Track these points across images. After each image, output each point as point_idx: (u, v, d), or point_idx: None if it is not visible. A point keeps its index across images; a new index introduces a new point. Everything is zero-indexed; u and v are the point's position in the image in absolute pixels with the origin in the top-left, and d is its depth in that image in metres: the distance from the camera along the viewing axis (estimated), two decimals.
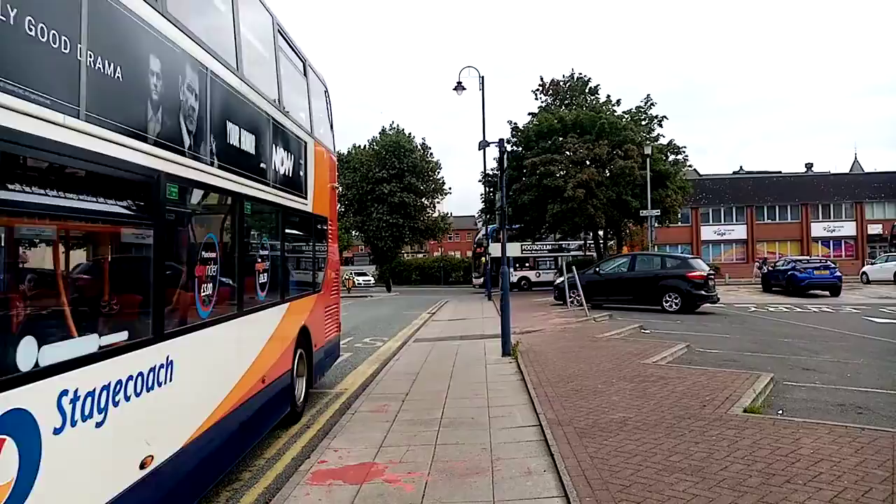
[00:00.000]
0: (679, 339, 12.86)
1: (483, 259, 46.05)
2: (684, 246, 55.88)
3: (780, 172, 65.28)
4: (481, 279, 44.64)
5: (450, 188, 57.39)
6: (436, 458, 5.85)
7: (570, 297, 20.71)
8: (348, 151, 58.41)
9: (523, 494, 4.91)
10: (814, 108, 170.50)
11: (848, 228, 60.09)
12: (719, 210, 61.15)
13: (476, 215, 56.22)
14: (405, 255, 72.62)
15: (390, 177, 51.88)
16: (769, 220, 61.05)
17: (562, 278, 21.86)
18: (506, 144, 11.79)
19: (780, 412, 7.25)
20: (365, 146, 56.74)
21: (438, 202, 62.67)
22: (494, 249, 43.59)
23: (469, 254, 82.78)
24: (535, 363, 10.27)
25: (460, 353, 12.13)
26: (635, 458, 5.40)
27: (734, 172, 68.84)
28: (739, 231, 61.06)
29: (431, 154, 56.33)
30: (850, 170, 66.58)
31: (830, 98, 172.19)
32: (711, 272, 20.46)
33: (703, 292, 19.63)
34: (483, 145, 11.94)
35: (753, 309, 22.11)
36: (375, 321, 21.26)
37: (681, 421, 6.51)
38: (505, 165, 11.74)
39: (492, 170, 36.45)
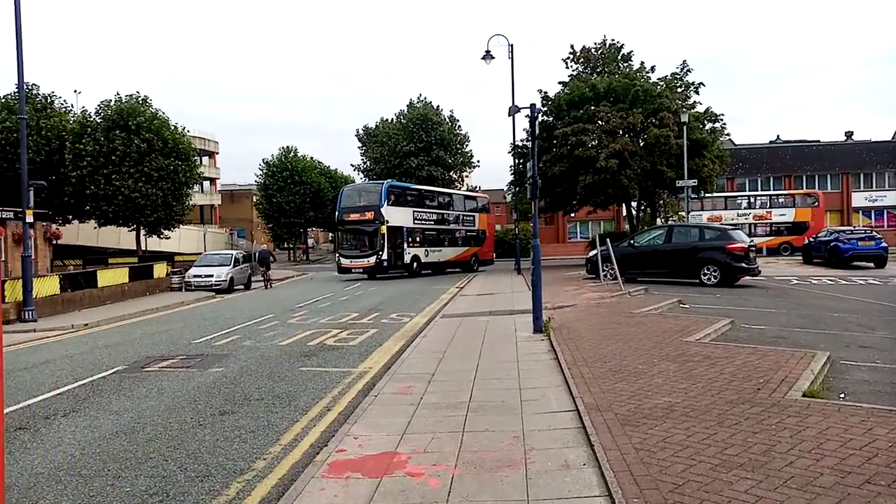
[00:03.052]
0: (721, 315, 12.16)
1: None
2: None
3: (818, 141, 63.01)
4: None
5: (478, 161, 56.64)
6: (463, 448, 5.35)
7: (604, 270, 20.03)
8: (375, 125, 57.83)
9: (561, 493, 4.38)
10: (851, 75, 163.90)
11: (891, 198, 58.00)
12: (756, 180, 59.48)
13: (505, 188, 55.30)
14: None
15: (418, 150, 51.11)
16: (808, 190, 59.23)
17: (594, 251, 21.13)
18: (537, 111, 11.09)
19: (843, 396, 6.61)
20: (392, 120, 55.99)
21: (467, 176, 61.84)
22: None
23: (498, 227, 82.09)
24: (568, 341, 9.70)
25: (489, 330, 11.62)
26: (686, 451, 4.83)
27: (771, 142, 66.71)
28: None
29: (459, 126, 55.38)
30: (893, 138, 63.97)
31: (868, 64, 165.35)
32: (752, 244, 19.55)
33: (743, 265, 18.76)
34: (513, 111, 11.30)
35: (795, 282, 21.18)
36: (403, 296, 20.86)
37: (734, 407, 5.90)
38: (537, 132, 11.06)
39: (521, 140, 35.65)
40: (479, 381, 7.67)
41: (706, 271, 18.83)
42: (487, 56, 29.69)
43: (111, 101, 38.73)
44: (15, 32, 15.95)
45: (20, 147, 17.12)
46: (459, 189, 56.66)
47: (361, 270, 30.12)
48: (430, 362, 8.92)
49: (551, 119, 33.56)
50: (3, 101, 39.81)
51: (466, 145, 55.18)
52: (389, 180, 32.30)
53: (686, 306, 13.84)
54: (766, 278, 21.10)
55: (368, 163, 55.05)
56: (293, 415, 7.02)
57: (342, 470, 5.02)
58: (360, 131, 58.88)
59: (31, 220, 17.17)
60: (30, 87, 41.23)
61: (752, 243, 19.50)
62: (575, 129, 30.65)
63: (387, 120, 56.89)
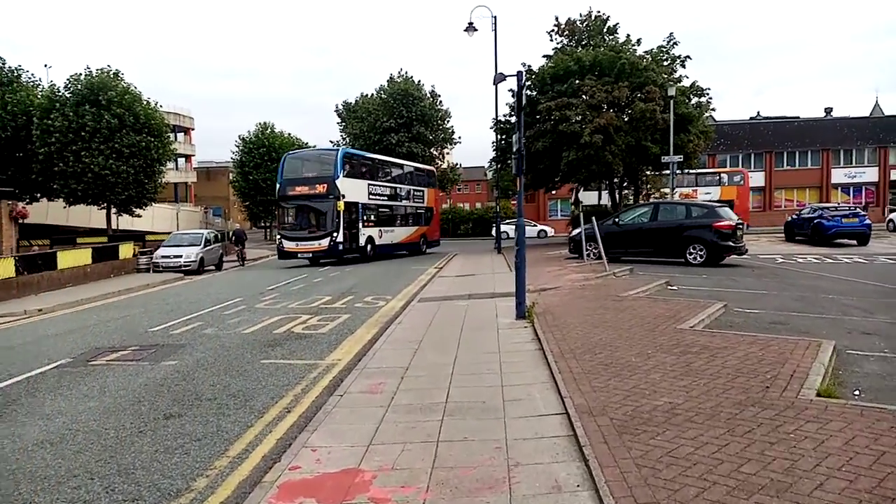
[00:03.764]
0: (712, 298, 11.53)
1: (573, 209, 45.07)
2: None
3: (798, 118, 62.76)
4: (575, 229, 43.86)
5: (459, 137, 55.38)
6: (437, 464, 4.61)
7: (587, 249, 19.36)
8: (356, 101, 56.41)
9: None
10: (830, 51, 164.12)
11: (870, 174, 58.06)
12: (737, 156, 59.19)
13: (486, 165, 54.45)
14: None
15: (398, 126, 49.92)
16: (788, 167, 59.32)
17: (577, 230, 20.44)
18: (524, 80, 10.25)
19: (858, 393, 5.96)
20: (373, 95, 54.64)
21: (448, 152, 60.79)
22: (587, 197, 42.57)
23: (478, 205, 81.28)
24: (553, 328, 8.99)
25: (469, 316, 10.87)
26: (696, 469, 4.13)
27: (751, 118, 66.31)
28: (757, 178, 59.25)
29: (441, 102, 54.17)
30: (871, 114, 63.89)
31: (847, 40, 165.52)
32: (740, 221, 18.96)
33: (730, 243, 18.17)
34: (498, 79, 10.49)
35: (781, 260, 20.70)
36: (379, 277, 20.06)
37: (743, 409, 5.22)
38: (523, 102, 10.25)
39: (504, 115, 34.70)
40: (458, 376, 6.93)
41: (692, 250, 18.22)
42: (470, 28, 28.73)
43: (81, 75, 37.08)
44: None
45: None
46: (440, 165, 55.74)
47: (311, 255, 25.27)
48: (405, 354, 8.16)
49: (535, 94, 32.60)
50: None
51: (448, 121, 54.09)
52: (345, 146, 28.08)
53: (674, 288, 13.19)
54: (751, 257, 20.58)
55: (348, 139, 53.70)
56: (247, 418, 6.24)
57: (294, 495, 4.26)
58: (340, 106, 57.49)
59: None
60: None
61: (739, 221, 18.90)
62: (559, 103, 29.74)
63: (367, 95, 55.54)
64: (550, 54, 35.90)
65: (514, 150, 10.75)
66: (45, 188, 38.94)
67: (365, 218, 27.16)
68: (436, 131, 52.80)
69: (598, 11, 36.60)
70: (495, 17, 27.72)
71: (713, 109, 35.36)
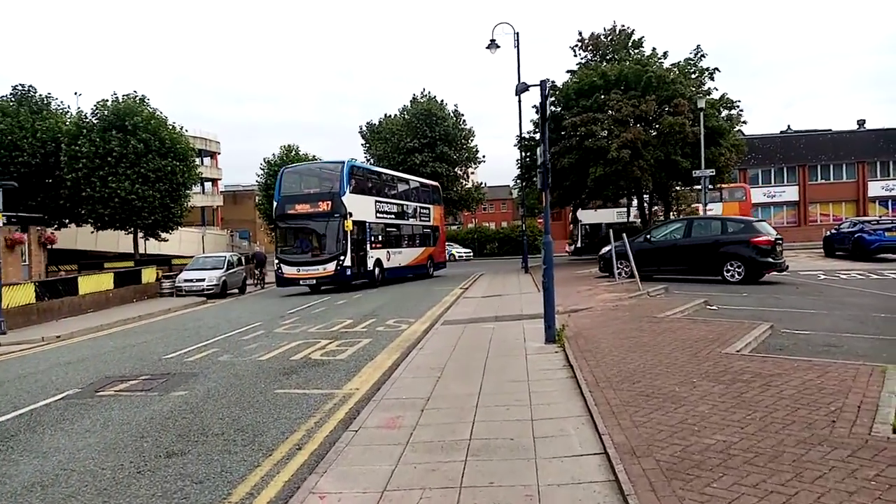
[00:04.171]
0: (755, 318, 10.80)
1: (571, 227, 44.72)
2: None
3: (830, 130, 61.22)
4: (573, 247, 43.56)
5: (483, 156, 55.01)
6: None
7: (618, 267, 18.65)
8: (379, 121, 56.41)
9: None
10: (861, 63, 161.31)
11: None
12: (769, 171, 57.95)
13: (511, 183, 53.95)
14: None
15: (422, 146, 49.74)
16: (822, 180, 57.78)
17: (608, 247, 19.74)
18: (548, 89, 9.73)
19: None
20: (396, 115, 54.63)
21: (472, 172, 60.44)
22: (586, 217, 42.14)
23: (504, 224, 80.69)
24: (586, 353, 8.36)
25: (495, 339, 10.28)
26: None
27: (782, 132, 64.90)
28: (791, 192, 57.97)
29: (464, 121, 53.93)
30: None
31: (878, 51, 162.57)
32: (779, 237, 18.10)
33: (769, 259, 17.33)
34: (521, 89, 10.02)
35: (823, 277, 19.74)
36: (403, 298, 19.56)
37: (809, 449, 4.56)
38: (548, 112, 9.72)
39: (528, 132, 34.26)
40: (483, 409, 6.35)
41: (729, 267, 17.41)
42: (492, 45, 28.43)
43: (107, 101, 37.56)
44: None
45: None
46: (464, 185, 55.33)
47: (315, 281, 22.57)
48: (426, 383, 7.60)
49: (559, 110, 32.11)
50: None
51: (471, 140, 53.78)
52: (350, 158, 23.98)
53: (714, 308, 12.45)
54: (791, 273, 19.62)
55: (372, 160, 53.69)
56: (255, 456, 5.73)
57: None
58: (364, 128, 57.49)
59: (1, 224, 15.88)
60: (26, 89, 40.27)
61: (778, 236, 18.06)
62: (584, 118, 29.22)
63: (390, 116, 55.53)
64: (574, 69, 35.48)
65: (539, 163, 10.21)
66: (74, 214, 39.33)
67: (373, 239, 24.60)
68: (459, 150, 52.52)
69: (623, 25, 36.15)
70: (517, 34, 27.33)
71: (744, 122, 34.47)
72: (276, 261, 23.42)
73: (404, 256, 27.70)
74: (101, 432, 6.70)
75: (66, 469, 5.64)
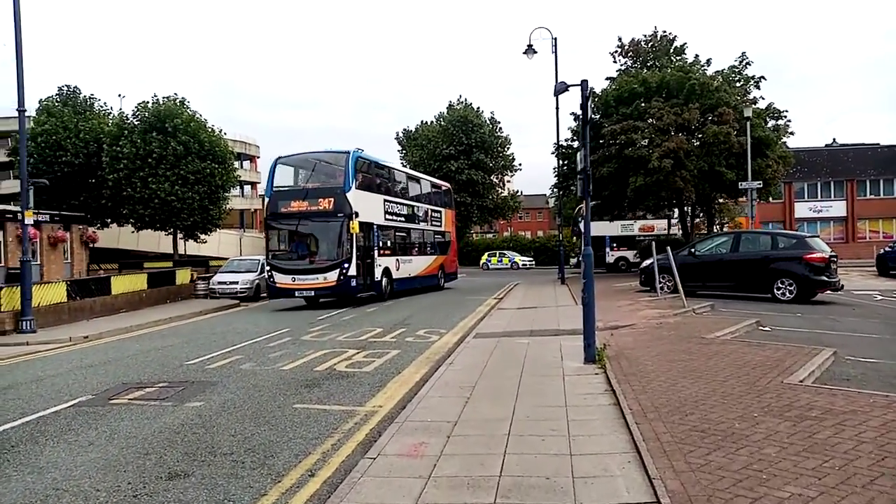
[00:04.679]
0: (813, 342, 9.95)
1: (574, 239, 43.53)
2: (776, 224, 51.28)
3: (878, 144, 58.85)
4: (576, 259, 42.39)
5: (520, 164, 54.28)
6: None
7: (660, 282, 17.81)
8: (415, 128, 56.21)
9: None
10: None
11: None
12: (815, 185, 55.97)
13: (548, 192, 53.15)
14: (473, 235, 70.18)
15: (458, 153, 49.37)
16: (872, 196, 55.61)
17: (649, 260, 18.90)
18: (589, 91, 9.09)
19: None
20: (432, 122, 54.36)
21: (508, 180, 59.80)
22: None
23: (540, 233, 79.71)
24: (630, 377, 7.66)
25: (530, 357, 9.62)
26: None
27: (827, 145, 62.64)
28: (838, 208, 55.96)
29: (500, 129, 53.40)
30: None
31: None
32: (834, 254, 17.06)
33: (823, 278, 16.32)
34: (560, 88, 9.40)
35: (880, 297, 18.61)
36: (435, 308, 18.99)
37: None
38: (589, 115, 9.07)
39: (566, 139, 33.55)
40: (516, 437, 5.72)
41: (780, 285, 16.45)
42: (529, 50, 27.84)
43: (148, 103, 38.00)
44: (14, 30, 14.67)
45: (19, 145, 15.64)
46: (500, 193, 54.66)
47: (313, 293, 19.47)
48: (454, 404, 7.00)
49: (598, 117, 31.30)
50: (44, 104, 39.60)
51: (508, 148, 53.20)
52: (356, 148, 20.56)
53: (767, 329, 11.60)
54: (845, 293, 18.50)
55: (408, 167, 53.49)
56: (262, 483, 5.20)
57: None
58: (400, 134, 57.38)
59: (31, 222, 15.90)
60: (71, 90, 41.03)
61: (833, 253, 17.01)
62: (624, 126, 28.40)
63: (426, 122, 55.28)
64: (614, 76, 34.66)
65: (580, 169, 9.55)
66: (115, 213, 39.82)
67: (381, 244, 21.37)
68: (496, 158, 51.99)
69: (664, 31, 35.13)
70: (555, 39, 26.68)
71: (791, 133, 33.25)
72: (268, 268, 20.25)
73: (414, 266, 24.49)
74: (104, 446, 6.26)
75: (58, 489, 5.19)
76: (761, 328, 11.68)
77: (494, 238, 74.03)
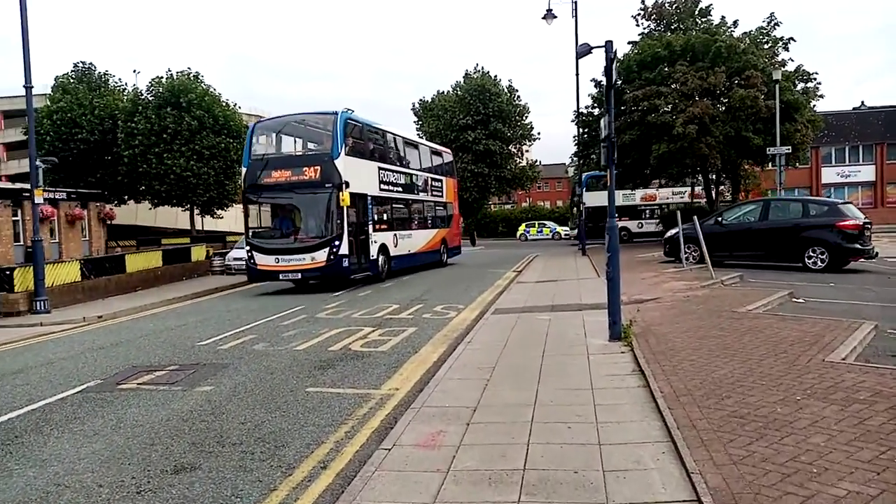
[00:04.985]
0: (851, 314, 9.45)
1: (574, 210, 42.58)
2: (802, 190, 50.05)
3: None
4: (576, 231, 41.37)
5: (538, 133, 53.38)
6: None
7: (686, 252, 17.26)
8: (431, 99, 55.33)
9: None
10: None
11: None
12: (843, 149, 54.44)
13: (567, 161, 52.24)
14: (491, 206, 69.52)
15: (475, 123, 48.44)
16: None
17: (674, 230, 18.32)
18: (613, 52, 8.53)
19: None
20: (448, 92, 53.41)
21: (527, 150, 58.89)
22: (590, 199, 40.13)
23: (560, 203, 78.76)
24: (659, 355, 7.25)
25: (552, 334, 9.23)
26: None
27: (855, 108, 60.64)
28: (867, 172, 54.49)
29: (518, 97, 52.26)
30: None
31: None
32: (867, 221, 16.38)
33: (857, 246, 15.69)
34: (583, 50, 8.82)
35: None
36: (453, 281, 18.64)
37: None
38: (613, 78, 8.53)
39: (586, 107, 32.73)
40: (539, 425, 5.35)
41: (811, 254, 15.84)
42: (549, 15, 27.10)
43: (162, 78, 37.68)
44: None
45: (27, 122, 15.31)
46: (519, 162, 53.78)
47: (300, 276, 17.25)
48: (473, 387, 6.65)
49: (620, 83, 30.35)
50: (60, 81, 39.44)
51: (526, 117, 52.14)
52: (345, 108, 18.26)
53: (800, 301, 11.09)
54: (877, 261, 17.80)
55: (425, 137, 52.81)
56: (272, 475, 4.91)
57: None
58: (417, 105, 56.48)
59: (41, 200, 15.72)
60: (86, 67, 40.77)
61: (866, 220, 16.33)
62: (647, 92, 27.51)
63: (443, 92, 54.32)
64: (636, 40, 33.57)
65: (603, 136, 9.04)
66: (132, 190, 39.83)
67: (376, 218, 19.16)
68: (514, 127, 50.98)
69: None
70: (575, 2, 25.91)
71: (821, 96, 32.05)
72: (247, 248, 17.96)
73: (414, 241, 22.22)
74: (110, 436, 6.01)
75: (59, 484, 4.94)
76: (794, 300, 11.17)
77: (513, 209, 73.36)
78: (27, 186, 36.38)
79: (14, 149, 58.73)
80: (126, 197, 41.36)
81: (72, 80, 39.55)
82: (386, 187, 20.03)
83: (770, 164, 31.06)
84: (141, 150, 35.76)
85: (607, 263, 8.51)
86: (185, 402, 7.05)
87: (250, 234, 18.05)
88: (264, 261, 17.33)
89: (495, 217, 63.49)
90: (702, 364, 6.80)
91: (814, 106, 31.96)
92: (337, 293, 16.67)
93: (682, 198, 40.27)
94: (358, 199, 17.67)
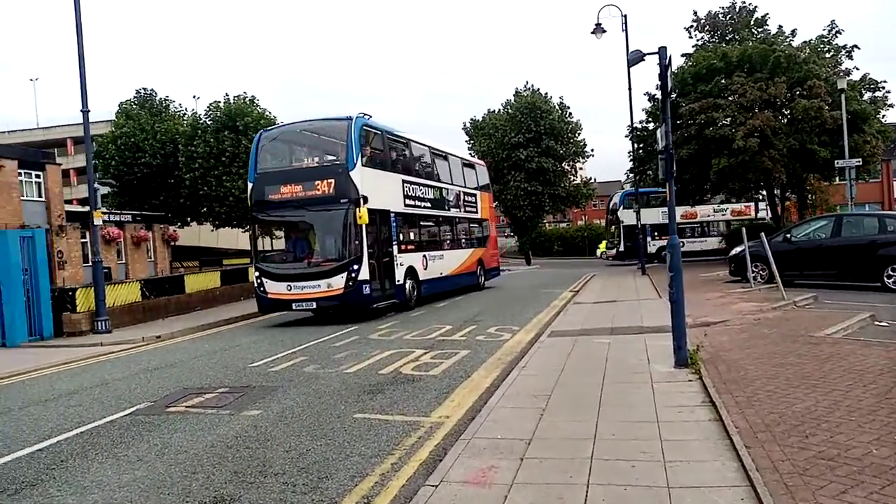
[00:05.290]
0: None
1: (612, 228, 41.64)
2: (873, 205, 47.65)
3: None
4: (614, 251, 40.37)
5: (592, 150, 52.45)
6: None
7: (753, 271, 16.42)
8: (482, 118, 55.30)
9: None
10: None
11: None
12: None
13: (623, 178, 51.22)
14: (546, 224, 68.71)
15: (527, 141, 48.12)
16: None
17: (740, 248, 17.49)
18: (667, 59, 8.11)
19: None
20: (499, 110, 53.27)
21: (581, 167, 58.01)
22: (627, 217, 39.03)
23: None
24: (731, 385, 6.70)
25: (612, 359, 8.74)
26: None
27: None
28: None
29: (570, 114, 51.70)
30: None
31: None
32: None
33: None
34: (634, 58, 8.45)
35: None
36: (508, 302, 18.21)
37: None
38: (669, 86, 8.08)
39: (640, 122, 32.01)
40: (600, 463, 4.92)
41: (891, 272, 14.81)
42: (598, 30, 26.66)
43: (220, 102, 38.77)
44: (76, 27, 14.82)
45: (85, 144, 15.74)
46: (572, 180, 52.99)
47: (314, 305, 15.43)
48: (527, 417, 6.25)
49: (675, 96, 29.54)
50: (123, 107, 41.06)
51: (578, 133, 51.47)
52: (360, 113, 16.15)
53: (884, 324, 10.24)
54: None
55: (476, 156, 52.62)
56: None
57: None
58: (468, 124, 56.54)
59: (100, 223, 16.09)
60: (147, 93, 42.34)
61: None
62: (704, 105, 26.65)
63: (494, 111, 54.21)
64: (690, 52, 32.80)
65: (661, 147, 8.57)
66: (194, 212, 40.92)
67: (401, 237, 17.31)
68: (566, 144, 50.39)
69: (744, 1, 32.82)
70: (625, 16, 25.38)
71: (890, 105, 30.45)
72: (256, 274, 16.19)
73: (447, 262, 20.20)
74: (153, 463, 5.86)
75: None
76: (877, 323, 10.34)
77: (568, 227, 72.39)
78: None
79: (84, 173, 61.44)
80: (188, 219, 42.53)
81: (134, 106, 41.12)
82: (412, 202, 18.18)
83: (838, 178, 29.66)
84: (201, 173, 36.72)
85: (670, 284, 8.00)
86: (231, 427, 6.88)
87: (259, 257, 16.57)
88: (275, 288, 15.56)
89: (550, 235, 62.66)
90: (780, 395, 6.22)
91: (883, 116, 30.40)
92: (390, 312, 16.45)
93: (723, 215, 39.02)
94: (379, 216, 15.99)
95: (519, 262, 49.53)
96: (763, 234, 15.14)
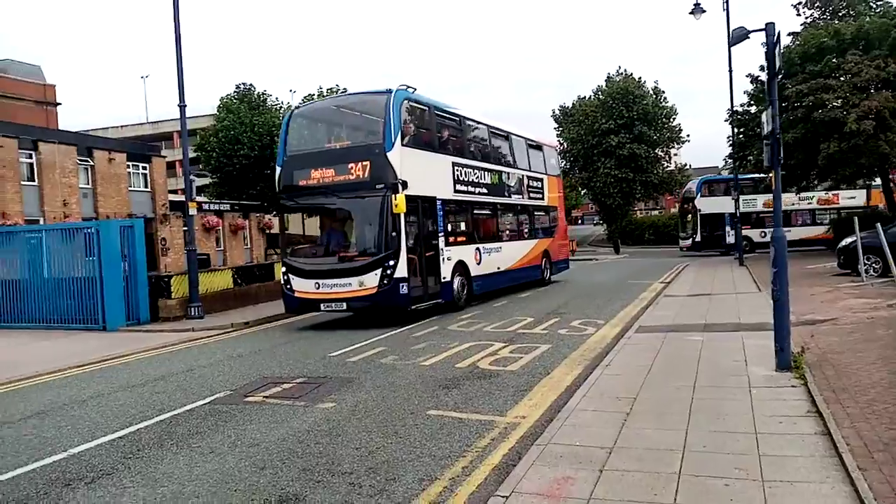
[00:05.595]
0: None
1: (687, 217, 39.74)
2: None
3: None
4: (689, 241, 38.53)
5: (688, 136, 50.22)
6: None
7: (866, 264, 15.05)
8: (572, 104, 53.99)
9: None
10: None
11: None
12: None
13: (721, 164, 48.69)
14: (637, 212, 66.47)
15: (618, 127, 46.58)
16: None
17: (850, 239, 16.10)
18: (775, 37, 7.37)
19: None
20: (590, 97, 51.81)
21: (675, 153, 55.62)
22: (705, 205, 37.06)
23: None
24: (841, 393, 6.00)
25: (705, 360, 8.11)
26: None
27: None
28: None
29: (665, 99, 49.59)
30: None
31: None
32: None
33: None
34: (738, 35, 7.74)
35: None
36: (593, 294, 17.60)
37: None
38: (777, 65, 7.34)
39: (742, 105, 30.18)
40: (689, 479, 4.45)
41: None
42: (697, 9, 25.42)
43: (314, 96, 39.71)
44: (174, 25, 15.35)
45: (181, 137, 16.36)
46: (667, 167, 50.91)
47: (345, 305, 13.65)
48: (609, 422, 5.82)
49: (780, 78, 27.55)
50: (224, 101, 42.84)
51: (673, 119, 49.32)
52: (402, 85, 14.26)
53: None
54: None
55: (565, 144, 51.48)
56: None
57: None
58: (557, 111, 55.37)
59: (195, 212, 16.70)
60: (246, 87, 43.99)
61: None
62: (812, 86, 24.66)
63: (584, 97, 52.79)
64: (797, 31, 30.49)
65: (766, 132, 7.85)
66: None
67: (449, 227, 15.45)
68: (660, 130, 48.43)
69: None
70: None
71: None
72: (283, 269, 14.49)
73: (505, 256, 18.20)
74: (225, 455, 5.86)
75: None
76: None
77: (661, 215, 69.81)
78: (200, 199, 39.86)
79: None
80: None
81: (234, 100, 42.75)
82: (463, 188, 16.16)
83: None
84: None
85: (773, 280, 7.29)
86: (304, 420, 6.83)
87: (288, 250, 14.92)
88: (303, 286, 13.83)
89: (641, 224, 60.58)
90: None
91: None
92: (475, 302, 16.18)
93: (809, 203, 36.49)
94: (423, 203, 14.15)
95: (608, 251, 48.27)
96: (878, 224, 13.80)
